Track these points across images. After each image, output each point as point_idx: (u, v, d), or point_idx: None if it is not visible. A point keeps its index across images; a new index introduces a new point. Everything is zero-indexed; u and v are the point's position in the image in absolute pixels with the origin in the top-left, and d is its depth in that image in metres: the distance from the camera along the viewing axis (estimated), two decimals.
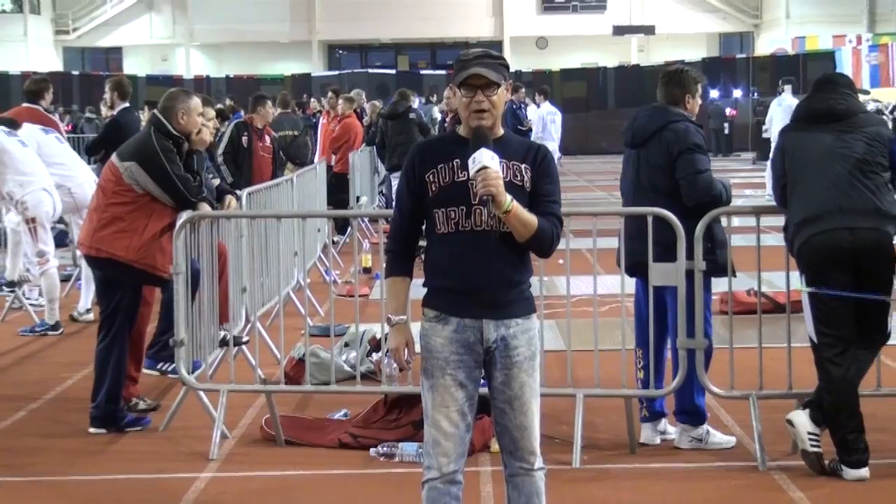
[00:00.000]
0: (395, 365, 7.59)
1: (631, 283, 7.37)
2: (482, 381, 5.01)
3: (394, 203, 5.26)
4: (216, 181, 8.51)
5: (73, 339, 10.93)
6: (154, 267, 7.76)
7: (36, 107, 12.54)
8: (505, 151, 4.89)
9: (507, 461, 5.09)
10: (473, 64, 4.86)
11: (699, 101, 7.34)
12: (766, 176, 23.80)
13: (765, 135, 27.37)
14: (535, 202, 4.90)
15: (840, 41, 51.02)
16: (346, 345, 8.86)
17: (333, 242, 15.44)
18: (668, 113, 7.17)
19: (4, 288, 11.83)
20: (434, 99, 30.94)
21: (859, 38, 50.85)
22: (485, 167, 4.73)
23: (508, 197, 4.77)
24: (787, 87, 26.17)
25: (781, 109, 23.12)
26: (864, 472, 6.48)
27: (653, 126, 7.14)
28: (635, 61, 52.22)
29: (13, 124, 11.60)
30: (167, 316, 8.20)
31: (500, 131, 4.98)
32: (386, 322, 5.15)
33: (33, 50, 54.31)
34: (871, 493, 6.32)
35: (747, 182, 26.47)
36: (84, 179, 11.59)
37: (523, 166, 4.93)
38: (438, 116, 21.02)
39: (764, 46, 54.87)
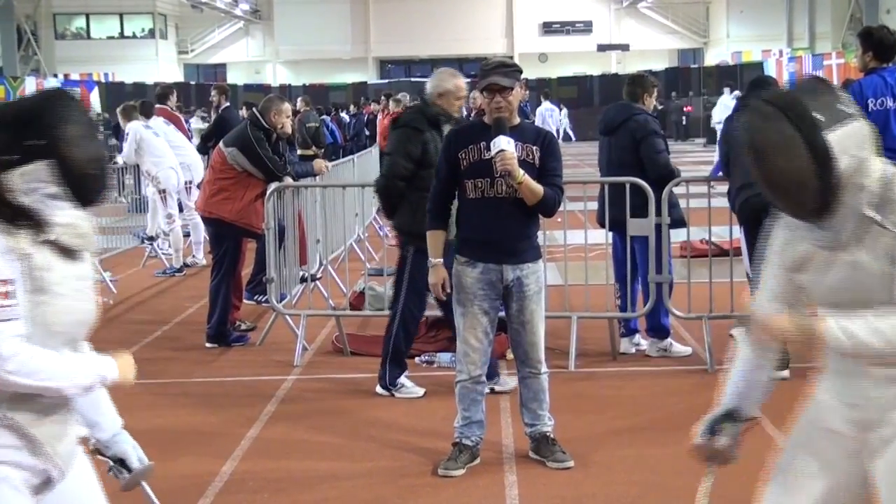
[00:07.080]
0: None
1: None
2: (501, 308, 4.99)
3: (434, 174, 5.20)
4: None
5: (192, 279, 10.95)
6: (250, 224, 7.77)
7: (164, 106, 12.64)
8: (520, 136, 4.85)
9: (520, 367, 5.07)
10: (492, 74, 4.83)
11: (654, 99, 7.24)
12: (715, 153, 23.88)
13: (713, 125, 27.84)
14: (542, 175, 4.85)
15: (767, 54, 50.53)
16: None
17: None
18: (630, 108, 7.08)
19: (145, 241, 11.90)
20: None
21: (781, 52, 50.38)
22: (502, 150, 4.72)
23: (521, 171, 4.73)
24: (727, 90, 27.02)
25: (720, 102, 26.30)
26: (786, 372, 6.38)
27: (620, 119, 7.05)
28: (614, 71, 51.70)
29: (148, 115, 11.73)
30: (261, 260, 8.25)
31: (516, 120, 4.93)
32: (428, 264, 5.12)
33: (162, 66, 54.32)
34: (790, 388, 6.23)
35: (700, 160, 26.19)
36: (194, 159, 11.80)
37: (534, 148, 4.88)
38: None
39: (711, 59, 54.43)
